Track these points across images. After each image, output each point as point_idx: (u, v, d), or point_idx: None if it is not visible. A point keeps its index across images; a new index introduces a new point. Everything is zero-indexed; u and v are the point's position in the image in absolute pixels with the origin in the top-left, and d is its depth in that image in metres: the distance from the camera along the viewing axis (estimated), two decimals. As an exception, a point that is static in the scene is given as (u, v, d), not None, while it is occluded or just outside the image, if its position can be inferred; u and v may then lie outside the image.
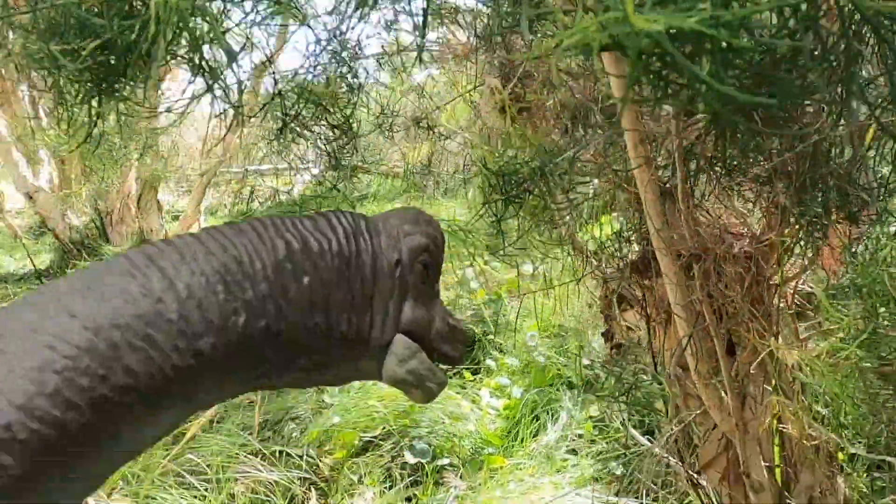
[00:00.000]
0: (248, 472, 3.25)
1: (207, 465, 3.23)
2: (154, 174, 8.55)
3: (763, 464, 1.67)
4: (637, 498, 2.85)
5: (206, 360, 0.63)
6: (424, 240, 0.80)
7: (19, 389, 0.54)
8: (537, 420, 3.71)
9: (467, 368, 4.37)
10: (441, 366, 0.85)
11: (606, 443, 3.38)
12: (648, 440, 2.49)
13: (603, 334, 2.19)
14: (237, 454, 3.35)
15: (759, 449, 1.65)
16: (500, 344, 4.61)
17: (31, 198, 8.89)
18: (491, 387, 4.11)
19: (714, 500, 1.78)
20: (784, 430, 1.72)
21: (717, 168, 1.29)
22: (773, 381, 1.63)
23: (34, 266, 6.44)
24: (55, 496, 0.57)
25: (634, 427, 2.86)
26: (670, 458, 1.87)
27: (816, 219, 1.33)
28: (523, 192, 1.45)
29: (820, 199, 1.28)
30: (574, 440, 3.52)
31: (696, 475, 1.83)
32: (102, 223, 8.76)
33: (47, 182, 10.04)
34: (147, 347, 0.60)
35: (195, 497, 3.07)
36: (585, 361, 3.88)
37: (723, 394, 1.59)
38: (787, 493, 1.77)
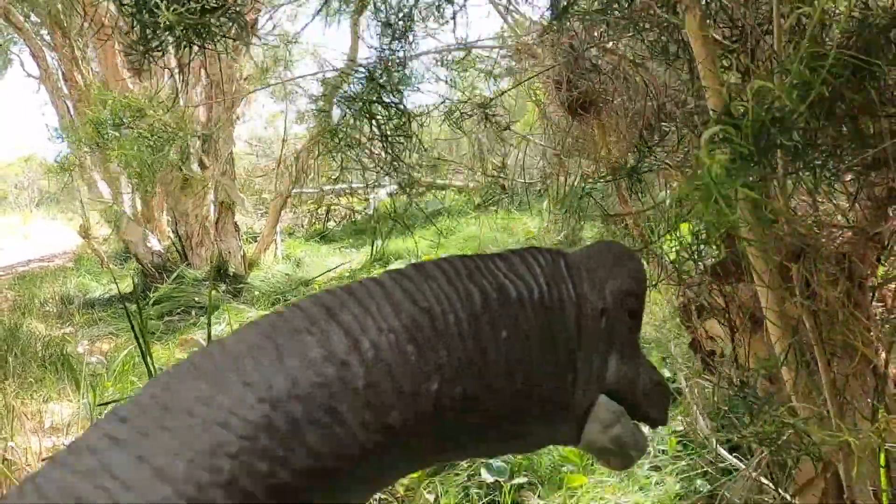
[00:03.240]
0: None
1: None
2: (228, 197, 8.70)
3: (870, 488, 1.52)
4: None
5: (396, 435, 0.54)
6: (631, 283, 0.69)
7: (191, 478, 0.45)
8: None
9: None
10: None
11: (691, 459, 3.24)
12: (737, 458, 2.35)
13: (690, 345, 2.06)
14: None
15: (864, 470, 1.50)
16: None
17: (115, 224, 9.15)
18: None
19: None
20: (890, 448, 1.57)
21: (811, 157, 1.18)
22: (876, 394, 1.50)
23: (119, 291, 6.60)
24: None
25: (722, 445, 2.71)
26: (762, 479, 1.73)
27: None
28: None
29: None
30: (657, 456, 3.38)
31: (790, 498, 1.69)
32: (183, 247, 8.96)
33: (129, 208, 10.36)
34: (331, 423, 0.51)
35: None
36: (667, 373, 3.74)
37: (824, 410, 1.46)
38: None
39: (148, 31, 1.05)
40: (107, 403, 4.42)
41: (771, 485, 1.76)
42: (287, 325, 0.54)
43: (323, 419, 0.51)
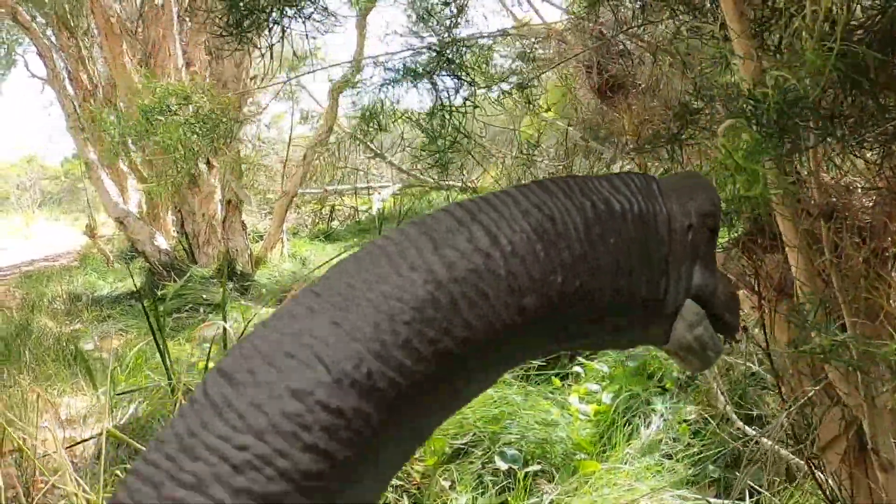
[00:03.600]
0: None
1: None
2: (236, 196, 8.76)
3: (893, 441, 1.59)
4: (741, 500, 2.77)
5: (528, 318, 0.63)
6: (711, 205, 0.79)
7: (377, 338, 0.55)
8: (629, 424, 3.64)
9: (556, 374, 4.33)
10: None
11: (703, 446, 3.30)
12: (756, 430, 2.41)
13: None
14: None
15: (888, 424, 1.57)
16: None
17: (121, 223, 9.21)
18: (580, 393, 4.06)
19: (834, 482, 1.70)
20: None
21: (837, 126, 1.24)
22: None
23: (135, 287, 6.67)
24: (394, 457, 0.58)
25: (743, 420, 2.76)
26: (781, 447, 1.79)
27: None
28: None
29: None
30: (668, 444, 3.44)
31: (815, 458, 1.75)
32: (190, 245, 9.01)
33: (136, 207, 10.41)
34: (481, 303, 0.60)
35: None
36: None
37: (849, 367, 1.53)
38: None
39: (242, 11, 1.11)
40: (125, 392, 4.48)
41: (791, 448, 1.82)
42: (439, 225, 0.64)
43: (475, 299, 0.60)
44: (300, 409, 0.50)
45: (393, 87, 1.96)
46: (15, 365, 5.39)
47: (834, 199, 1.47)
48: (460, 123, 1.95)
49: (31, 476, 3.48)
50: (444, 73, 1.87)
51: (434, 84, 1.91)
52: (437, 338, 0.57)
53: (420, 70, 1.85)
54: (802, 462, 1.79)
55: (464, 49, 1.91)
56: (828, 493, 1.75)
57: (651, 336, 0.78)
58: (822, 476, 1.78)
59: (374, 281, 0.58)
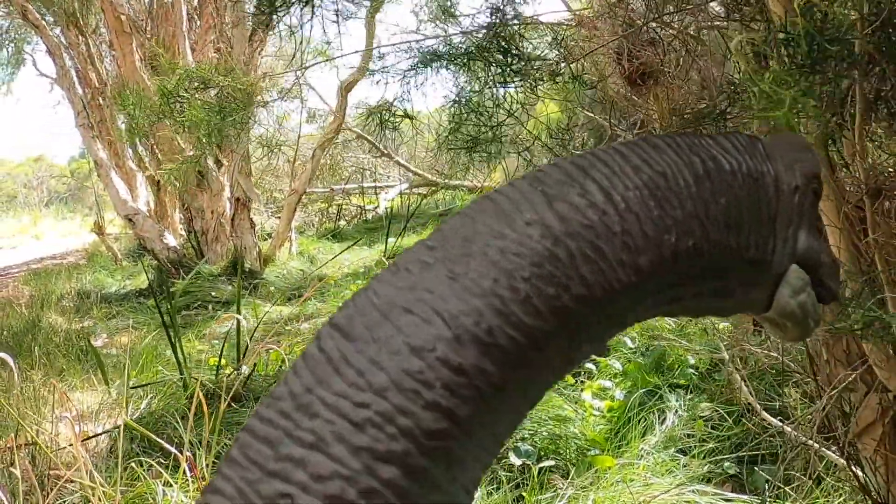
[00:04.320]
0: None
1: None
2: (244, 193, 8.77)
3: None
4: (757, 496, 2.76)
5: (643, 277, 0.62)
6: (816, 167, 0.77)
7: (495, 293, 0.53)
8: (644, 421, 3.63)
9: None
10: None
11: (719, 442, 3.29)
12: (781, 421, 2.40)
13: None
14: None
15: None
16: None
17: (130, 221, 9.22)
18: (593, 389, 4.05)
19: (870, 469, 1.69)
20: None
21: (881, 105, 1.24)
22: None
23: (149, 283, 6.68)
24: (508, 422, 0.56)
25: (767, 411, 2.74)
26: (809, 437, 1.78)
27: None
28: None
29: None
30: (682, 439, 3.43)
31: (850, 446, 1.74)
32: (198, 243, 9.02)
33: (145, 205, 10.42)
34: (597, 259, 0.58)
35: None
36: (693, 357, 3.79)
37: (890, 350, 1.52)
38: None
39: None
40: (139, 386, 4.48)
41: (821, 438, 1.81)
42: (550, 179, 0.62)
43: (592, 255, 0.58)
44: (421, 365, 0.49)
45: (417, 74, 1.95)
46: (26, 360, 5.39)
47: (882, 177, 1.46)
48: (510, 107, 1.95)
49: (45, 470, 3.48)
50: (496, 53, 1.86)
51: (470, 68, 1.90)
52: (556, 294, 0.56)
53: (458, 52, 1.85)
54: (832, 454, 1.78)
55: (519, 29, 1.90)
56: (862, 480, 1.74)
57: (753, 301, 0.76)
58: (855, 468, 1.76)
59: (490, 235, 0.57)
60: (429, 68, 1.96)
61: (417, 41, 1.93)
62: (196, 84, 2.95)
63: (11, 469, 3.18)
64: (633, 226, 0.61)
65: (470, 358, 0.51)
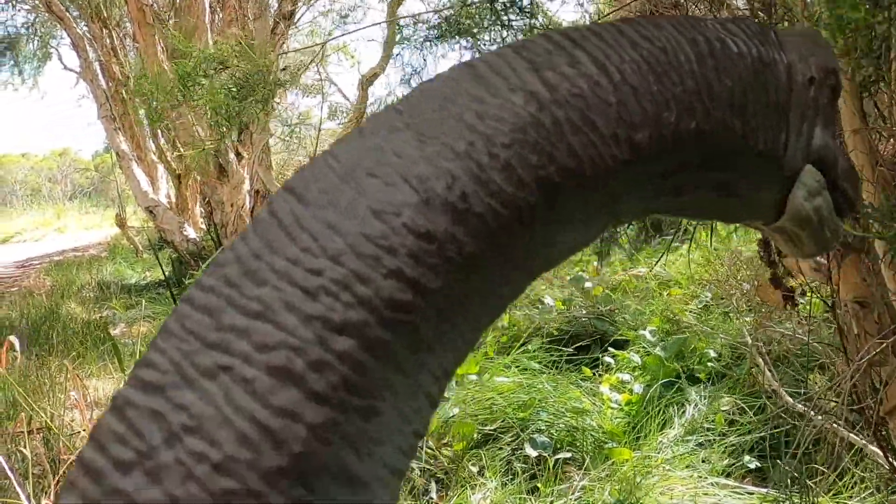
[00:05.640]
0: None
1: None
2: (264, 186, 8.77)
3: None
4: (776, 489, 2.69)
5: (639, 156, 0.56)
6: (833, 60, 0.71)
7: (472, 157, 0.48)
8: (662, 414, 3.57)
9: (586, 364, 4.27)
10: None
11: (738, 436, 3.22)
12: (804, 406, 2.32)
13: (771, 281, 2.03)
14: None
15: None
16: (619, 340, 4.51)
17: (151, 213, 9.27)
18: (611, 382, 3.99)
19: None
20: None
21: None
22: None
23: (164, 275, 6.70)
24: (487, 303, 0.51)
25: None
26: (836, 420, 1.72)
27: None
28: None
29: None
30: (702, 433, 3.37)
31: (880, 423, 1.67)
32: (218, 235, 9.04)
33: (165, 198, 10.47)
34: (588, 131, 0.53)
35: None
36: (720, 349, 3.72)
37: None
38: None
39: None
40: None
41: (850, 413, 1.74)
42: (537, 48, 0.56)
43: (582, 126, 0.53)
44: (383, 230, 0.44)
45: (436, 43, 1.91)
46: (43, 346, 5.42)
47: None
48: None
49: (58, 454, 3.47)
50: (515, 13, 1.82)
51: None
52: (541, 163, 0.50)
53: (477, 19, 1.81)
54: (859, 438, 1.71)
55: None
56: (890, 458, 1.67)
57: (762, 204, 0.69)
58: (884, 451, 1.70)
59: (467, 100, 0.51)
60: (447, 43, 1.92)
61: (437, 10, 1.89)
62: (214, 65, 2.92)
63: (23, 451, 3.17)
64: (629, 99, 0.55)
65: (440, 224, 0.46)
